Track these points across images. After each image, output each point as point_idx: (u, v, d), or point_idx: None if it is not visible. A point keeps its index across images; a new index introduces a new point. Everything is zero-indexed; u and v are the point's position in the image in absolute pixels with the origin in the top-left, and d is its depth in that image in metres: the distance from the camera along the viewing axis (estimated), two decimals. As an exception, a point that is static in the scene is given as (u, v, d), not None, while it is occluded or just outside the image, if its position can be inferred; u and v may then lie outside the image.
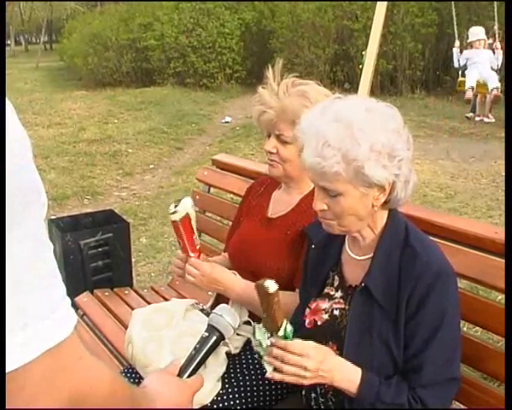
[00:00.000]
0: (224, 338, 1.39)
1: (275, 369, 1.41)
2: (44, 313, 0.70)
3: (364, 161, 1.37)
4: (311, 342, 1.43)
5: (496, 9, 8.99)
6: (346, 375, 1.43)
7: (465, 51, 9.18)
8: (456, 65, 9.29)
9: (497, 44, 9.00)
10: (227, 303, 1.95)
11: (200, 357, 1.32)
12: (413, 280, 1.42)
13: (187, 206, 1.83)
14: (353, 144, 1.37)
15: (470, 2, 12.01)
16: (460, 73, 9.30)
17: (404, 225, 1.52)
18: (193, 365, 1.29)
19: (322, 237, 1.64)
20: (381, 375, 1.44)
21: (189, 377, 1.26)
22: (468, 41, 9.15)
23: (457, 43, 9.30)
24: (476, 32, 9.20)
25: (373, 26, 5.71)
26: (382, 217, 1.53)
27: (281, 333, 1.41)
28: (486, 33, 9.35)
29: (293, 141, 1.81)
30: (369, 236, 1.53)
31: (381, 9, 6.31)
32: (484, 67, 8.99)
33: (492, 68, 9.03)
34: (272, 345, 1.41)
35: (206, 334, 1.37)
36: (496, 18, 9.10)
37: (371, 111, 1.43)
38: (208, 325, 1.38)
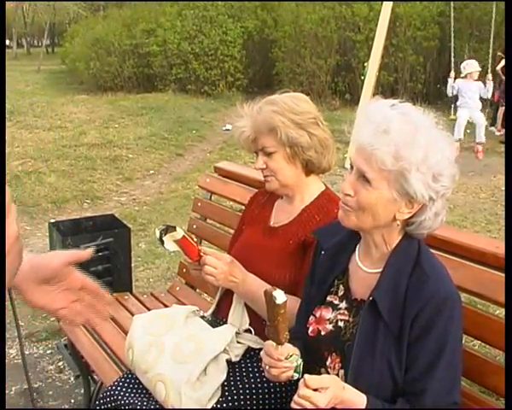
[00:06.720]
0: None
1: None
2: None
3: (412, 167, 1.35)
4: (324, 381, 1.37)
5: (491, 41, 9.15)
6: (352, 403, 1.41)
7: (458, 80, 9.15)
8: (449, 94, 9.32)
9: (489, 76, 9.06)
10: (228, 310, 1.96)
11: None
12: (420, 303, 1.40)
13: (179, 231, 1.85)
14: (410, 144, 1.35)
15: (472, 19, 12.07)
16: (453, 106, 9.30)
17: (417, 244, 1.50)
18: None
19: (332, 243, 1.62)
20: (380, 392, 1.43)
21: None
22: (463, 75, 9.06)
23: (452, 73, 9.35)
24: (472, 67, 9.05)
25: (378, 27, 5.77)
26: (399, 234, 1.51)
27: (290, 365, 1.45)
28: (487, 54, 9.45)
29: (277, 149, 1.90)
30: (381, 248, 1.51)
31: (386, 9, 6.38)
32: (474, 105, 8.89)
33: (482, 98, 9.02)
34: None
35: None
36: (491, 46, 9.24)
37: (437, 127, 1.43)
38: None
